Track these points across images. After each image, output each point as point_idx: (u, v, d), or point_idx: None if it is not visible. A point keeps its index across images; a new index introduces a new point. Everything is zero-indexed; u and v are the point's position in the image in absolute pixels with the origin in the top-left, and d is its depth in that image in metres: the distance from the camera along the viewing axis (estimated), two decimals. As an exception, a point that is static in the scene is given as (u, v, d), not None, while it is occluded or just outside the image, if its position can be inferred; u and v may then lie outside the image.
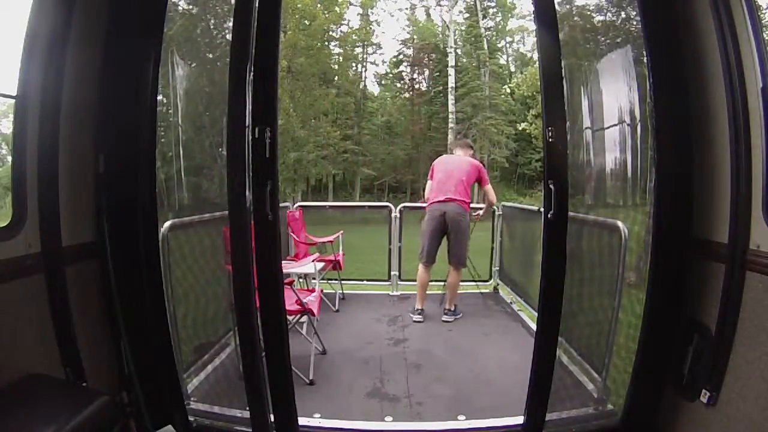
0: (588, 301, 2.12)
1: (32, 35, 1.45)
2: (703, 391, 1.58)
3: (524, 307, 3.81)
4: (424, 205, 3.75)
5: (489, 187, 3.68)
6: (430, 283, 3.74)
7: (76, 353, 1.59)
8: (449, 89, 18.59)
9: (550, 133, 1.62)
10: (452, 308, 3.59)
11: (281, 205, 2.35)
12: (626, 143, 2.09)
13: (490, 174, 18.71)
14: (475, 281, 4.29)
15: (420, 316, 3.55)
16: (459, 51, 19.38)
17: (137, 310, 1.78)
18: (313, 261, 3.47)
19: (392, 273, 4.45)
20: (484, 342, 3.13)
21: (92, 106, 1.70)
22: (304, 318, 2.69)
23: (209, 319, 2.41)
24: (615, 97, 2.12)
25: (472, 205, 3.69)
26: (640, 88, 1.92)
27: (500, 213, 4.56)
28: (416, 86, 20.32)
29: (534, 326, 2.73)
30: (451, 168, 3.58)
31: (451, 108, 18.41)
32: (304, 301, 2.54)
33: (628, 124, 2.06)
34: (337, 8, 18.42)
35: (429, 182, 3.65)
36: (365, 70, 20.46)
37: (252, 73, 1.56)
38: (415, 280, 3.75)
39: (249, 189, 1.57)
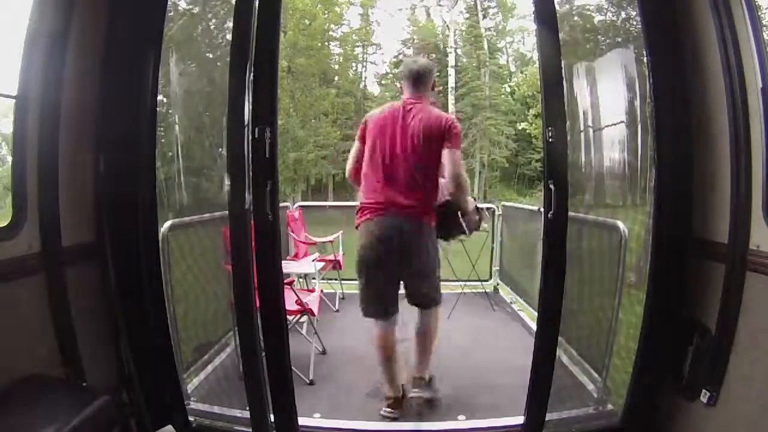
0: (588, 301, 2.12)
1: (32, 35, 1.45)
2: (703, 391, 1.58)
3: (524, 307, 3.80)
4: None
5: (456, 153, 2.07)
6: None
7: (76, 353, 1.59)
8: (449, 89, 18.60)
9: (550, 133, 1.62)
10: (426, 377, 2.27)
11: (281, 205, 2.35)
12: (626, 143, 2.09)
13: (490, 174, 18.95)
14: (469, 281, 4.27)
15: (389, 411, 2.13)
16: (459, 51, 19.39)
17: (137, 310, 1.78)
18: (313, 261, 3.47)
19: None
20: (484, 342, 3.12)
21: (92, 106, 1.70)
22: (304, 318, 2.69)
23: (209, 319, 2.41)
24: (615, 97, 2.13)
25: None
26: (640, 88, 1.92)
27: (500, 213, 4.56)
28: (416, 86, 20.29)
29: (534, 326, 2.72)
30: (385, 138, 2.07)
31: (451, 108, 18.40)
32: (304, 301, 2.54)
33: (627, 124, 2.06)
34: (337, 8, 18.44)
35: None
36: (365, 70, 20.48)
37: (252, 73, 1.56)
38: None
39: (249, 189, 1.57)
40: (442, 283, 2.28)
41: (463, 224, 2.19)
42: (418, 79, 2.11)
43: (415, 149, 1.99)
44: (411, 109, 2.06)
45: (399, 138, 2.01)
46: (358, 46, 19.90)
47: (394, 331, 2.15)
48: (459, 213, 2.15)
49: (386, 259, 2.03)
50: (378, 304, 2.10)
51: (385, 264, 2.04)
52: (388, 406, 2.13)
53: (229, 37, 1.71)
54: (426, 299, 2.15)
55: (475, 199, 2.41)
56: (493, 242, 4.52)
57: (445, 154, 1.99)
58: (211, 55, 2.49)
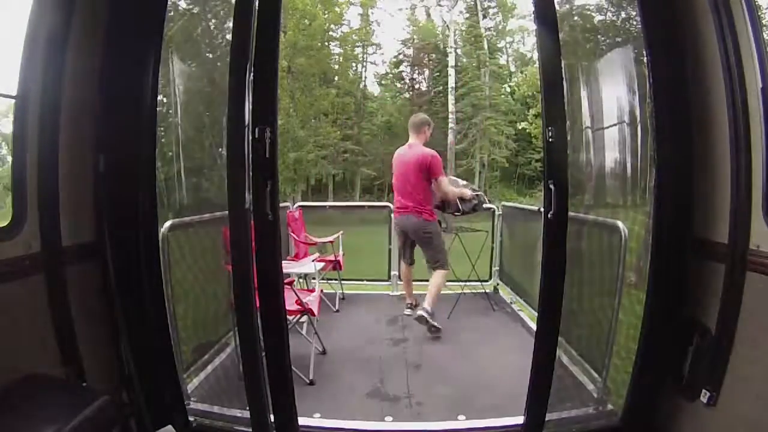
0: (588, 301, 2.12)
1: (32, 35, 1.45)
2: (703, 391, 1.58)
3: (524, 307, 3.81)
4: None
5: (439, 180, 3.33)
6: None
7: (76, 353, 1.59)
8: (449, 89, 18.58)
9: (550, 133, 1.62)
10: (429, 309, 3.20)
11: (281, 205, 2.35)
12: (626, 143, 2.09)
13: (490, 174, 18.96)
14: (469, 281, 4.29)
15: (409, 311, 3.57)
16: (459, 51, 19.36)
17: (137, 310, 1.78)
18: (313, 261, 3.47)
19: (392, 273, 4.45)
20: (484, 342, 3.12)
21: (92, 106, 1.70)
22: (304, 318, 2.69)
23: (209, 319, 2.41)
24: (615, 97, 2.13)
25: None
26: (640, 88, 1.92)
27: (500, 213, 4.56)
28: (416, 86, 20.30)
29: (534, 326, 2.72)
30: (402, 170, 3.39)
31: (451, 108, 18.39)
32: (304, 301, 2.54)
33: (627, 124, 2.06)
34: (337, 8, 18.42)
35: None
36: (365, 70, 20.44)
37: (252, 73, 1.56)
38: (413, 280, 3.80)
39: (249, 189, 1.57)
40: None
41: (459, 206, 3.47)
42: (416, 128, 3.46)
43: (409, 176, 3.34)
44: (410, 150, 3.40)
45: (404, 169, 3.37)
46: (358, 46, 19.87)
47: (410, 269, 3.70)
48: (458, 200, 3.47)
49: (406, 233, 3.51)
50: (404, 254, 3.65)
51: (407, 236, 3.52)
52: (408, 308, 3.64)
53: (229, 37, 1.71)
54: (432, 260, 3.45)
55: (474, 190, 3.58)
56: (493, 242, 4.53)
57: (433, 182, 3.35)
58: (211, 55, 2.49)
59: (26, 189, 1.49)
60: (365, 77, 20.42)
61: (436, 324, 3.17)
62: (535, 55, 15.42)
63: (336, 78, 18.99)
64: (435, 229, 3.41)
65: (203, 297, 2.33)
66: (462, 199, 3.43)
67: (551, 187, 1.63)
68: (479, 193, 3.56)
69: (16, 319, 1.43)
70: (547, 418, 1.77)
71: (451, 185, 3.49)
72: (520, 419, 1.85)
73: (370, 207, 8.27)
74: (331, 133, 17.39)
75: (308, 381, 2.44)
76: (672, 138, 1.69)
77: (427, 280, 3.75)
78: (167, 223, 2.04)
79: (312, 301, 2.63)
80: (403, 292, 3.92)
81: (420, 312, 3.19)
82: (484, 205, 3.70)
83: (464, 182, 3.74)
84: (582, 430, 1.93)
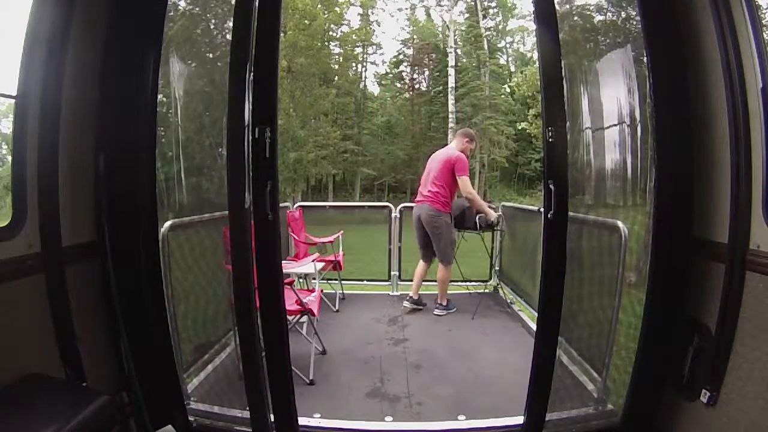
0: (588, 301, 2.12)
1: (32, 35, 1.45)
2: (703, 391, 1.58)
3: (524, 307, 3.80)
4: None
5: (462, 178, 3.49)
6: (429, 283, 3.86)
7: (76, 353, 1.59)
8: (449, 89, 18.58)
9: (550, 133, 1.62)
10: (443, 303, 3.71)
11: (281, 205, 2.36)
12: (626, 143, 2.09)
13: (489, 174, 18.95)
14: (465, 281, 4.33)
15: (408, 303, 3.74)
16: (459, 51, 19.37)
17: (137, 310, 1.78)
18: (313, 261, 3.47)
19: (392, 273, 4.45)
20: (484, 342, 3.13)
21: (92, 106, 1.70)
22: (304, 318, 2.69)
23: (209, 319, 2.41)
24: (615, 97, 2.12)
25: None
26: (640, 88, 1.92)
27: (500, 213, 4.56)
28: (416, 86, 20.33)
29: (534, 326, 2.73)
30: (429, 165, 3.69)
31: (451, 108, 18.40)
32: (304, 301, 2.54)
33: (628, 124, 2.06)
34: (337, 8, 18.42)
35: None
36: (365, 70, 20.48)
37: (252, 73, 1.56)
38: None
39: (249, 189, 1.57)
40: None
41: (477, 222, 3.71)
42: (457, 135, 3.76)
43: (433, 170, 3.60)
44: (442, 149, 3.75)
45: (431, 164, 3.67)
46: (358, 46, 19.88)
47: (425, 266, 3.80)
48: (477, 213, 3.69)
49: (421, 224, 3.64)
50: (421, 249, 3.76)
51: (422, 228, 3.65)
52: (407, 301, 3.77)
53: (229, 37, 1.71)
54: (438, 253, 3.63)
55: (495, 209, 3.83)
56: (493, 242, 4.53)
57: (459, 181, 3.50)
58: (211, 55, 2.48)
59: (26, 189, 1.49)
60: (365, 77, 20.48)
61: (451, 311, 3.68)
62: (535, 55, 15.44)
63: (336, 78, 18.99)
64: (445, 220, 3.57)
65: (203, 297, 2.33)
66: (482, 217, 3.72)
67: (551, 187, 1.63)
68: (500, 214, 3.92)
69: (16, 319, 1.43)
70: (547, 418, 1.77)
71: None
72: (520, 419, 1.85)
73: (370, 207, 8.27)
74: (331, 133, 17.39)
75: (308, 381, 2.44)
76: (672, 138, 1.69)
77: (434, 280, 3.87)
78: (167, 223, 2.04)
79: (312, 301, 2.63)
80: (405, 292, 3.95)
81: (435, 312, 3.68)
82: (501, 227, 4.05)
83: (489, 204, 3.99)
84: (582, 430, 1.92)
